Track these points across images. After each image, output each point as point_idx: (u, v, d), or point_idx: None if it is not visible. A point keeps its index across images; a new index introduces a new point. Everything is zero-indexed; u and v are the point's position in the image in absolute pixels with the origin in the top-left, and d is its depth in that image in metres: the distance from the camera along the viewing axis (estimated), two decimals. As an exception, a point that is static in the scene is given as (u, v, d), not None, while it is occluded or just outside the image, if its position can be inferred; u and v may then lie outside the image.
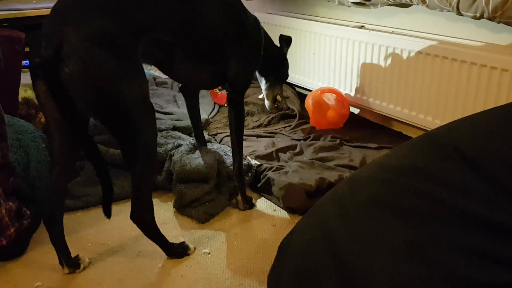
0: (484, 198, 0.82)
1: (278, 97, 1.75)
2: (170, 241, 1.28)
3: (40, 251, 1.31)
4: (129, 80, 1.05)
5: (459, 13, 1.45)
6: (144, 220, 1.20)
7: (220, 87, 2.25)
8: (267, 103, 1.78)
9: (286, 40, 1.73)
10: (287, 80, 1.84)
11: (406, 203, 0.89)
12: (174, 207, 1.52)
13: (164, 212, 1.51)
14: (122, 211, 1.37)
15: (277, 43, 1.71)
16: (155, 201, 1.55)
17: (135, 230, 1.21)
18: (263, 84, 1.74)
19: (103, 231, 1.41)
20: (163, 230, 1.27)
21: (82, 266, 1.23)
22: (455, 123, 1.04)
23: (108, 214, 1.23)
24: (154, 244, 1.25)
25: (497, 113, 1.00)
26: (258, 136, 2.03)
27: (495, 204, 0.82)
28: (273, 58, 1.67)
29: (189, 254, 1.29)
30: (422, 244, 0.79)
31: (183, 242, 1.31)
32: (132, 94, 1.05)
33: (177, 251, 1.28)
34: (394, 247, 0.78)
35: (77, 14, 1.02)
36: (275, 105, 1.77)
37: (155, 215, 1.21)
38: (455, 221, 0.82)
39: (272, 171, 1.64)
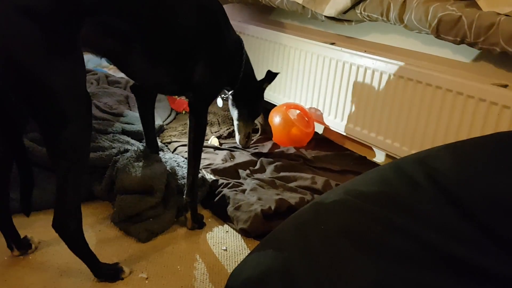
0: (466, 239, 0.72)
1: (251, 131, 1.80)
2: (103, 260, 1.09)
3: None
4: (57, 60, 0.89)
5: (438, 36, 1.37)
6: (68, 229, 1.00)
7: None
8: (238, 137, 1.82)
9: (270, 76, 1.72)
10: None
11: (377, 237, 0.79)
12: (112, 221, 1.32)
13: (99, 226, 1.31)
14: (49, 220, 1.18)
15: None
16: (91, 212, 1.37)
17: (61, 243, 1.02)
18: (235, 116, 1.76)
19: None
20: (96, 247, 1.10)
21: (33, 246, 1.18)
22: (432, 150, 0.94)
23: (26, 210, 1.10)
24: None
25: (480, 143, 0.91)
26: (216, 148, 1.87)
27: (478, 246, 0.72)
28: (250, 87, 1.66)
29: (122, 279, 1.10)
30: (392, 287, 0.68)
31: (117, 263, 1.12)
32: (60, 78, 0.90)
33: (108, 273, 1.09)
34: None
35: None
36: (246, 141, 1.82)
37: (89, 228, 1.04)
38: (431, 262, 0.72)
39: (228, 188, 1.49)
